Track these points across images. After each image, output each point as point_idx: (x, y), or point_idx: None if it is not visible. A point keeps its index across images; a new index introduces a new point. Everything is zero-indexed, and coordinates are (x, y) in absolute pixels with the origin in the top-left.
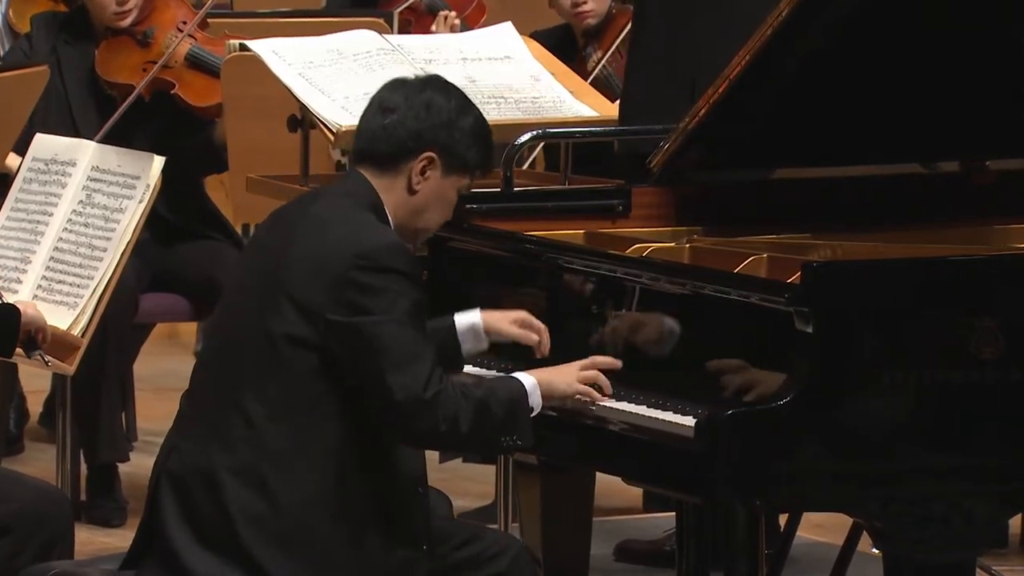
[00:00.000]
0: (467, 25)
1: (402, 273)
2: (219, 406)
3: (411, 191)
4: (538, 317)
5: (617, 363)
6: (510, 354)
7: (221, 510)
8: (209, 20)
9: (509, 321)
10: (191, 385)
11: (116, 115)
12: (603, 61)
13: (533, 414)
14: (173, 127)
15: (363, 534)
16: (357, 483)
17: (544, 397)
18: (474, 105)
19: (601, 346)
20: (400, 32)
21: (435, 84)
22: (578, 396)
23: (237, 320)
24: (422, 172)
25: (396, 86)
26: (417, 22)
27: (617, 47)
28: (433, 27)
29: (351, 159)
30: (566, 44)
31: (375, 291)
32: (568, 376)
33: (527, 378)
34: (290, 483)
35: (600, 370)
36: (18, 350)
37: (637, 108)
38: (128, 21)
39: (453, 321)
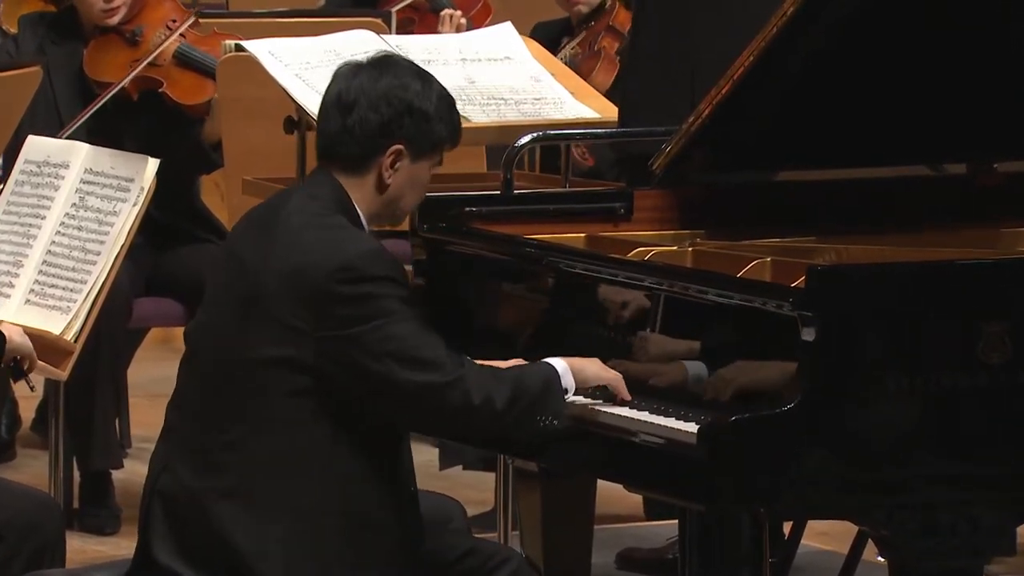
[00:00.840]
0: (473, 25)
1: (384, 278)
2: (204, 427)
3: (382, 186)
4: (539, 322)
5: (627, 396)
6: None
7: (214, 531)
8: (202, 19)
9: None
10: (176, 396)
11: (92, 106)
12: (569, 46)
13: (568, 396)
14: (162, 127)
15: (366, 542)
16: (355, 492)
17: (576, 380)
18: (433, 79)
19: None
20: (402, 32)
21: (389, 67)
22: (610, 385)
23: (218, 340)
24: (392, 165)
25: (349, 76)
26: (420, 21)
27: (587, 37)
28: (439, 27)
29: (318, 157)
30: (566, 35)
31: (361, 300)
32: (597, 364)
33: (558, 362)
34: (289, 505)
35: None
36: None
37: (635, 109)
38: (117, 19)
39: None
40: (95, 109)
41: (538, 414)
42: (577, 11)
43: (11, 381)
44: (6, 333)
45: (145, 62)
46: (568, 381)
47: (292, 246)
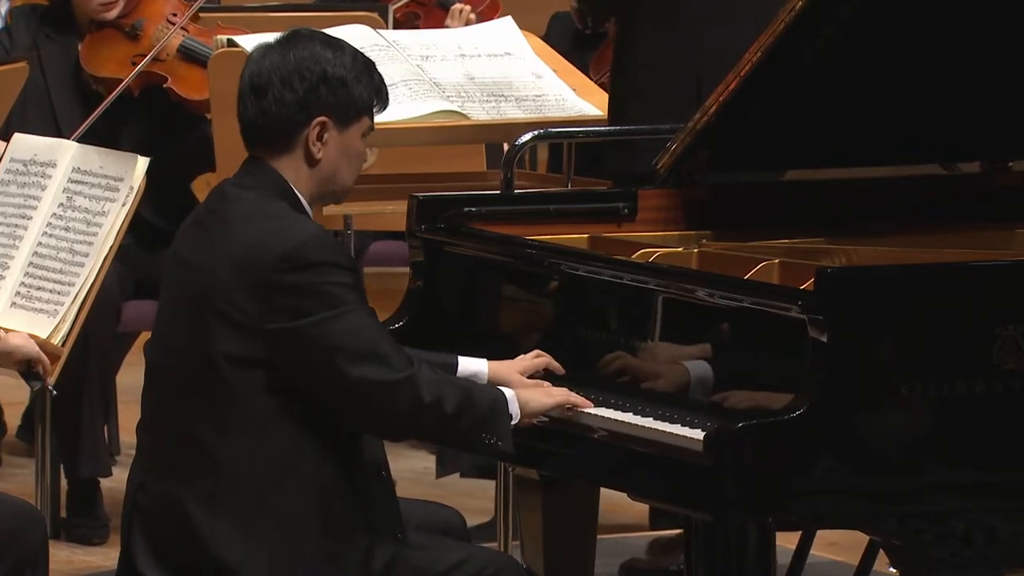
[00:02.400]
0: (483, 20)
1: (329, 264)
2: (173, 439)
3: (313, 161)
4: (540, 326)
5: (589, 404)
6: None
7: (195, 540)
8: (201, 13)
9: (517, 370)
10: (143, 416)
11: (100, 108)
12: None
13: (513, 422)
14: (162, 125)
15: (347, 534)
16: (331, 485)
17: (521, 408)
18: (345, 44)
19: (606, 355)
20: (407, 27)
21: (298, 41)
22: (559, 407)
23: (172, 344)
24: (318, 138)
25: (259, 58)
26: (427, 16)
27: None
28: (448, 21)
29: (245, 145)
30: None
31: (307, 290)
32: (542, 394)
33: (505, 388)
34: (268, 503)
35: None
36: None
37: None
38: (114, 13)
39: (456, 363)
40: (104, 107)
41: (484, 431)
42: None
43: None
44: (10, 339)
45: (150, 57)
46: (514, 408)
47: (235, 239)
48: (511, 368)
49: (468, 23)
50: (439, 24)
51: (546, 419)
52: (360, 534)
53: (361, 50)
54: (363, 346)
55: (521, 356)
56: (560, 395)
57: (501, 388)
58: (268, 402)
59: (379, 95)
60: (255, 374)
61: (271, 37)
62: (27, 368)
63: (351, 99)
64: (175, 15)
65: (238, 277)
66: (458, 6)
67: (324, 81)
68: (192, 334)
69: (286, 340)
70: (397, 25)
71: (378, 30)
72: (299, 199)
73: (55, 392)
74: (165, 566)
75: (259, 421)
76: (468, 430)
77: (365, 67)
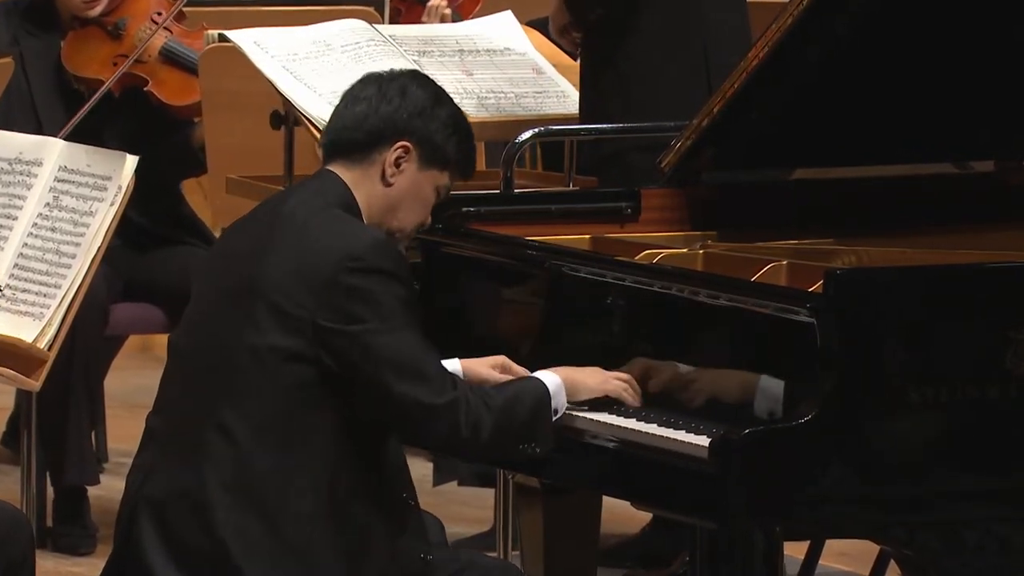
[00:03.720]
0: (459, 16)
1: (390, 273)
2: (197, 425)
3: (385, 183)
4: (541, 329)
5: (636, 403)
6: None
7: (210, 535)
8: (186, 10)
9: (489, 366)
10: (159, 404)
11: (82, 111)
12: None
13: (556, 416)
14: (146, 126)
15: (366, 546)
16: (355, 493)
17: (569, 396)
18: (452, 100)
19: (611, 360)
20: (389, 22)
21: (410, 75)
22: (614, 396)
23: (209, 331)
24: (396, 163)
25: (368, 80)
26: (407, 12)
27: None
28: (424, 17)
29: (323, 157)
30: None
31: (365, 296)
32: (597, 375)
33: (551, 378)
34: (284, 501)
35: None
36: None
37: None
38: (98, 10)
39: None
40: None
41: (521, 442)
42: None
43: None
44: None
45: (131, 59)
46: (560, 401)
47: (297, 235)
48: (483, 365)
49: (443, 19)
50: (417, 21)
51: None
52: (380, 543)
53: (356, 45)
54: (410, 363)
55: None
56: (615, 386)
57: (545, 379)
58: (303, 400)
59: (466, 161)
60: (296, 368)
61: (264, 30)
62: None
63: (440, 144)
64: (160, 14)
65: (297, 270)
66: (433, 3)
67: (420, 115)
68: (234, 319)
69: (336, 340)
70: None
71: (374, 25)
72: (361, 214)
73: None
74: (178, 559)
75: (289, 420)
76: (504, 447)
77: (463, 127)
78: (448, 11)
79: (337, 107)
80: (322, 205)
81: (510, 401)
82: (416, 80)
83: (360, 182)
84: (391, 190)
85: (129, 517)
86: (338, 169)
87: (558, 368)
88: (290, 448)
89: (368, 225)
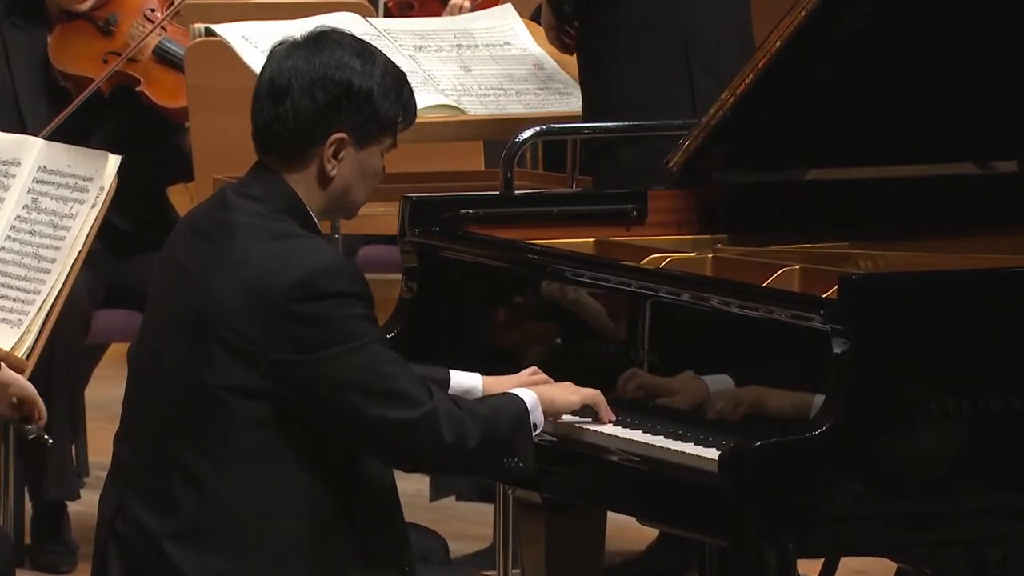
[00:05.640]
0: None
1: (346, 294)
2: (156, 461)
3: (326, 179)
4: (542, 337)
5: (610, 415)
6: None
7: (175, 574)
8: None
9: (516, 386)
10: (125, 430)
11: (68, 110)
12: None
13: (536, 432)
14: (135, 128)
15: (341, 569)
16: (328, 518)
17: (545, 413)
18: (377, 52)
19: (614, 368)
20: (399, 15)
21: (327, 44)
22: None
23: (168, 365)
24: (334, 156)
25: (282, 57)
26: (421, 6)
27: None
28: (446, 12)
29: (256, 147)
30: None
31: (322, 322)
32: (568, 391)
33: (527, 394)
34: (260, 536)
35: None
36: None
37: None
38: (88, 4)
39: (448, 379)
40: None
41: (505, 457)
42: None
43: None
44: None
45: (124, 57)
46: (537, 416)
47: (241, 260)
48: (507, 385)
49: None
50: (432, 15)
51: (553, 438)
52: (357, 569)
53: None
54: (379, 383)
55: (519, 374)
56: (588, 393)
57: (522, 395)
58: (267, 434)
59: (406, 111)
60: (255, 405)
61: (253, 24)
62: (19, 416)
63: (375, 116)
64: (153, 11)
65: (245, 302)
66: (456, 1)
67: (347, 95)
68: (189, 359)
69: (294, 372)
70: (388, 14)
71: (368, 18)
72: (309, 215)
73: (51, 441)
74: None
75: (256, 453)
76: (491, 460)
77: (395, 81)
78: (468, 4)
79: (257, 94)
80: (263, 214)
81: (492, 415)
82: (334, 53)
83: (300, 180)
84: (335, 182)
85: (103, 548)
86: (275, 164)
87: (531, 387)
88: (262, 483)
89: (318, 240)
